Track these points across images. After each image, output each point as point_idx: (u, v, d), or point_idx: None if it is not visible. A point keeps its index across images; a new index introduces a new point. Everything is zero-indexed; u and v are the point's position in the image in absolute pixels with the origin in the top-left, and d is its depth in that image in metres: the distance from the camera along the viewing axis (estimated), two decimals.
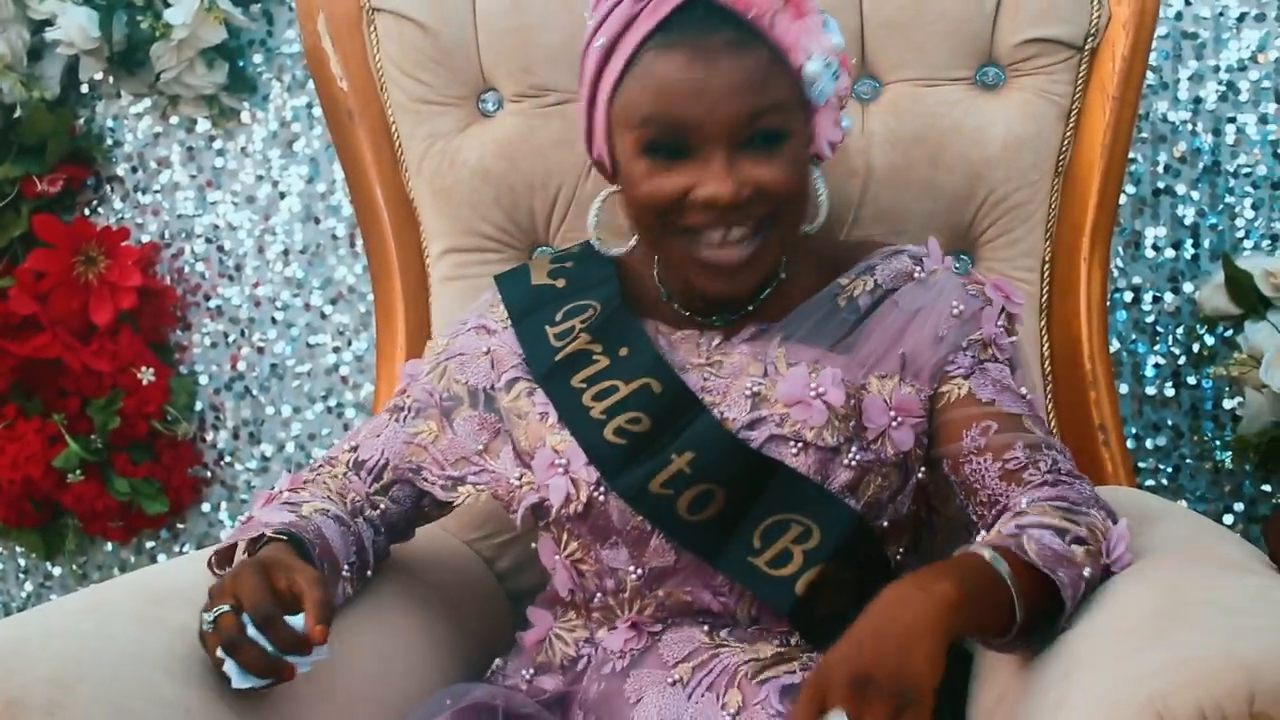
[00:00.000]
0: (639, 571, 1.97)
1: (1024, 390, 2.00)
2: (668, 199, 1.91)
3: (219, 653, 1.69)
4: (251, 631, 1.68)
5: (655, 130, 1.90)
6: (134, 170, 3.04)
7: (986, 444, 1.92)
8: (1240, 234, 2.75)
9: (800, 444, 1.93)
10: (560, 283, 2.13)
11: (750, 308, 2.05)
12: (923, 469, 2.01)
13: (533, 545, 2.16)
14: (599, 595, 2.02)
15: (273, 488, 2.06)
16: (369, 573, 2.02)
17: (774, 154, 1.90)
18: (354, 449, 2.11)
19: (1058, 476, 1.89)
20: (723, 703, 1.89)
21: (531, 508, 2.01)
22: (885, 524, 1.99)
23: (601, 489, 1.95)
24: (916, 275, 2.04)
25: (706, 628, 1.98)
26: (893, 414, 1.96)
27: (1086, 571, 1.74)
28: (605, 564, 1.99)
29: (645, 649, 1.98)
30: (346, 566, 1.94)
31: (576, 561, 2.02)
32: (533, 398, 2.04)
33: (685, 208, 1.91)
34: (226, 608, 1.69)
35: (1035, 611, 1.71)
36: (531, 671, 2.04)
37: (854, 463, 1.94)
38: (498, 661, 2.10)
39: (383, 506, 2.07)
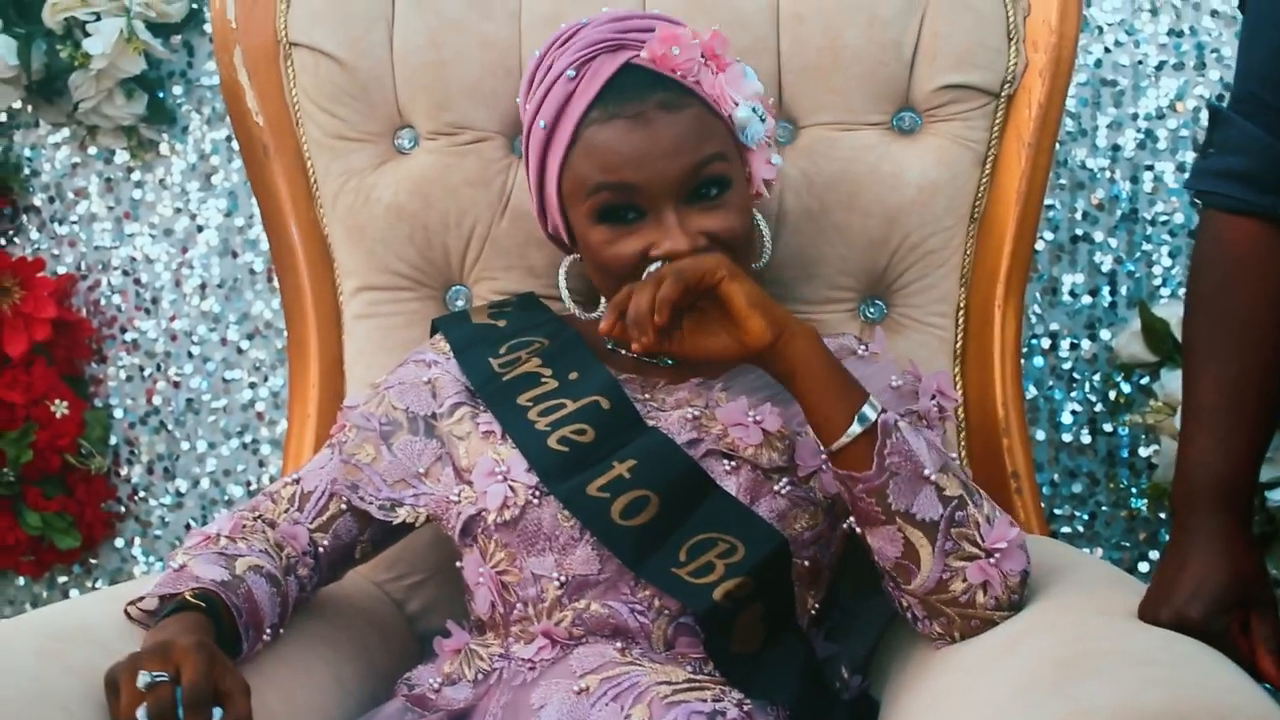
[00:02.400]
0: (561, 579, 1.99)
1: (953, 455, 2.11)
2: (629, 261, 2.01)
3: (140, 713, 1.67)
4: (180, 712, 1.67)
5: (608, 197, 2.00)
6: (51, 200, 3.02)
7: None
8: (1157, 281, 2.76)
9: (735, 462, 2.00)
10: (501, 323, 2.20)
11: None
12: (848, 521, 2.01)
13: (456, 566, 2.13)
14: (519, 606, 2.02)
15: (206, 523, 2.06)
16: (282, 630, 2.01)
17: (720, 202, 2.01)
18: (297, 480, 2.12)
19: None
20: (626, 714, 1.89)
21: (465, 523, 2.03)
22: (806, 564, 2.02)
23: (538, 493, 1.99)
24: (859, 353, 2.14)
25: (620, 645, 1.99)
26: (823, 457, 1.97)
27: (930, 475, 1.85)
28: (529, 572, 2.00)
29: (555, 660, 1.99)
30: (269, 629, 1.95)
31: (501, 573, 2.02)
32: (476, 420, 2.08)
33: (647, 266, 2.00)
34: (166, 677, 1.68)
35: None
36: (439, 681, 2.04)
37: (784, 492, 2.00)
38: (407, 674, 2.10)
39: (324, 546, 2.09)
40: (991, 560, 1.85)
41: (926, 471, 1.84)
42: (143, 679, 1.68)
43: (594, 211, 2.01)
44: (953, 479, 1.87)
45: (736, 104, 2.03)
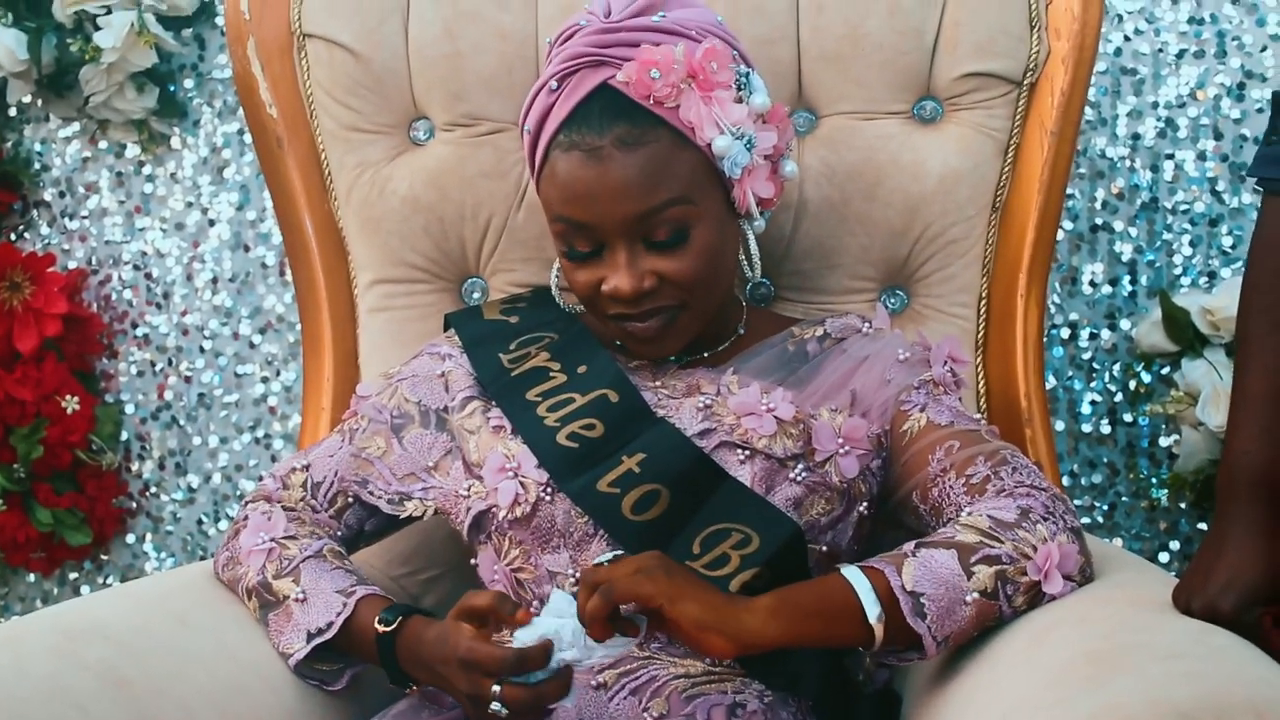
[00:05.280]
0: (577, 575, 1.98)
1: (977, 416, 2.08)
2: (587, 290, 2.03)
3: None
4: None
5: (564, 228, 2.01)
6: (61, 195, 3.01)
7: (951, 463, 1.97)
8: (1178, 271, 2.74)
9: (748, 451, 1.98)
10: (514, 319, 2.19)
11: (706, 354, 2.14)
12: (865, 504, 2.03)
13: (470, 564, 2.12)
14: (535, 604, 2.01)
15: (239, 521, 2.08)
16: None
17: (675, 247, 1.99)
18: (306, 467, 2.13)
19: (1018, 485, 1.91)
20: (645, 707, 1.89)
21: (475, 518, 2.03)
22: (824, 549, 2.01)
23: (549, 490, 1.98)
24: (864, 330, 2.13)
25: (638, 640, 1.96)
26: (841, 441, 2.00)
27: (971, 597, 1.78)
28: (545, 569, 2.00)
29: None
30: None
31: (516, 570, 2.02)
32: (487, 414, 2.07)
33: (602, 297, 2.01)
34: (496, 688, 1.78)
35: (904, 631, 1.78)
36: None
37: (800, 479, 1.98)
38: None
39: (339, 533, 2.12)
40: (1045, 596, 1.83)
41: (957, 578, 1.79)
42: (494, 710, 1.78)
43: (557, 236, 2.04)
44: (980, 545, 1.82)
45: (719, 132, 1.97)
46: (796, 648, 1.82)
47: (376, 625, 1.91)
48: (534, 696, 1.77)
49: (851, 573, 1.79)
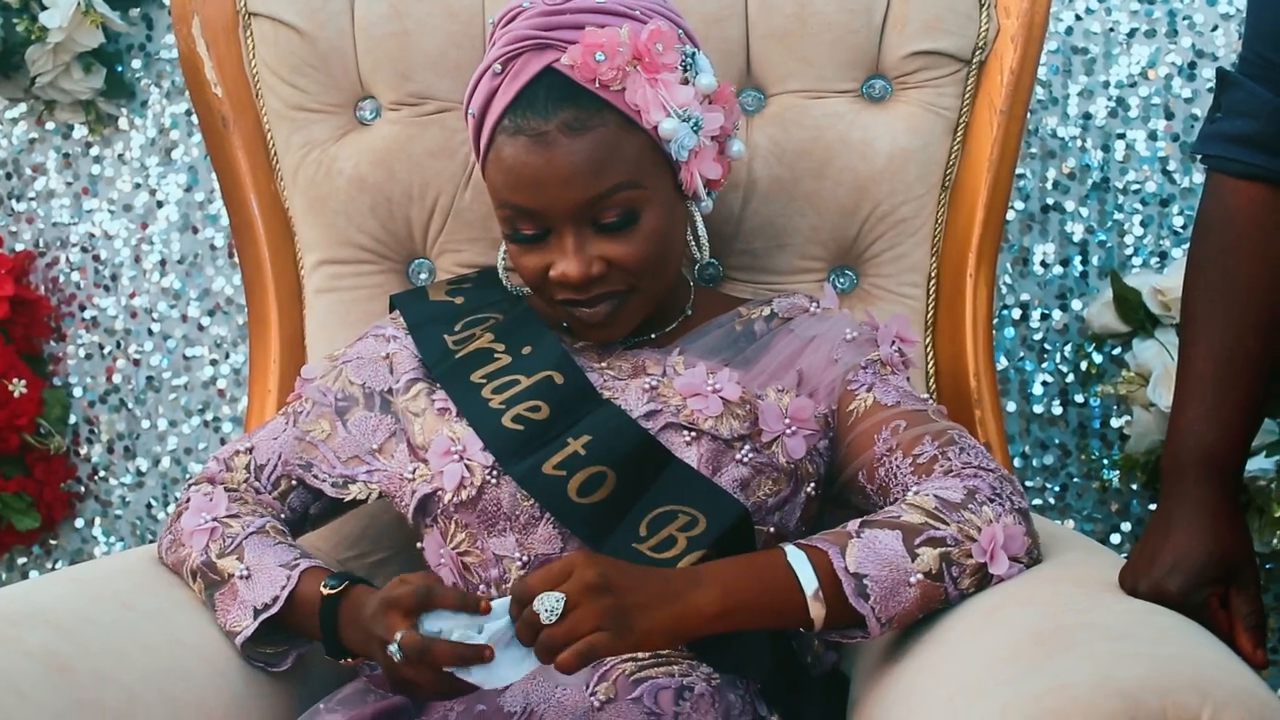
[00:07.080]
0: (524, 559, 1.98)
1: (925, 396, 2.08)
2: (534, 275, 2.02)
3: (456, 672, 1.74)
4: (429, 626, 1.76)
5: (510, 213, 2.00)
6: (8, 177, 2.98)
7: (897, 443, 1.96)
8: (1129, 251, 2.74)
9: (694, 433, 1.98)
10: (459, 300, 2.18)
11: (653, 335, 2.13)
12: (813, 485, 2.03)
13: (417, 547, 2.11)
14: (482, 587, 2.01)
15: (182, 503, 2.08)
16: None
17: (623, 231, 1.98)
18: (250, 450, 2.12)
19: (965, 465, 1.91)
20: (592, 691, 1.88)
21: (421, 502, 2.02)
22: (771, 531, 2.00)
23: (495, 473, 1.97)
24: (811, 310, 2.13)
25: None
26: (787, 421, 2.00)
27: (915, 578, 1.78)
28: (491, 553, 2.00)
29: None
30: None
31: (463, 554, 2.02)
32: (432, 396, 2.06)
33: (550, 282, 2.00)
34: (399, 634, 1.75)
35: (848, 611, 1.78)
36: None
37: (746, 460, 1.98)
38: None
39: (283, 515, 2.11)
40: (992, 578, 1.83)
41: (901, 559, 1.79)
42: (392, 656, 1.75)
43: (503, 220, 2.02)
44: (925, 526, 1.82)
45: (665, 114, 1.96)
46: (740, 629, 1.81)
47: (322, 589, 1.90)
48: (423, 645, 1.73)
49: (792, 550, 1.78)
